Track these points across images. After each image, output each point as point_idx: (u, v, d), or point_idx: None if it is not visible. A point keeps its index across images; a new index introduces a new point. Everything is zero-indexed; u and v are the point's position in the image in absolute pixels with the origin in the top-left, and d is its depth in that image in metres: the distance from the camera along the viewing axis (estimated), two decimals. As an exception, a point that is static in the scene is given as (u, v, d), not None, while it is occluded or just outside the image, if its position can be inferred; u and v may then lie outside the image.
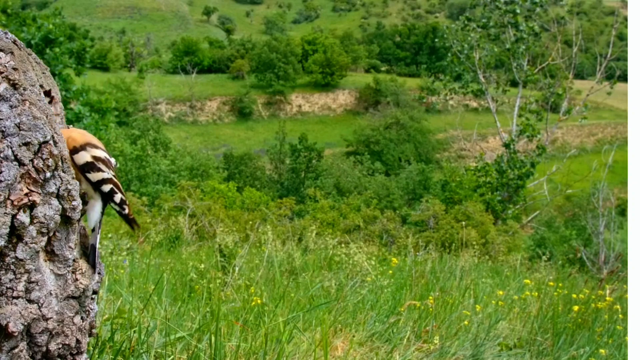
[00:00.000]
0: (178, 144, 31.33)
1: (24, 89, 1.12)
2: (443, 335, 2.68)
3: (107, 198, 1.28)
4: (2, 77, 1.09)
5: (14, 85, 1.10)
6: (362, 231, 11.11)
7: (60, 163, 1.16)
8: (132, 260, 4.73)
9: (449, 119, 43.92)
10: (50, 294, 1.16)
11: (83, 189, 1.26)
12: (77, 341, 1.24)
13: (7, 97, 1.08)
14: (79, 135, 1.26)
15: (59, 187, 1.16)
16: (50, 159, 1.12)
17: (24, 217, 1.08)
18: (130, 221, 1.33)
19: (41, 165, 1.11)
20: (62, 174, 1.17)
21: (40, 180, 1.11)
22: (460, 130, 23.32)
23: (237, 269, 3.68)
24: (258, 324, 2.30)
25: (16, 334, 1.09)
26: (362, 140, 48.06)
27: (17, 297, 1.10)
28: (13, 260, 1.08)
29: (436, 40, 22.51)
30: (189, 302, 2.88)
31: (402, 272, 4.75)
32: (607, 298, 3.83)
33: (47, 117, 1.15)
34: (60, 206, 1.15)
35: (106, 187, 1.26)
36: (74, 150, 1.22)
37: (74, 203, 1.19)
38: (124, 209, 1.30)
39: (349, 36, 78.40)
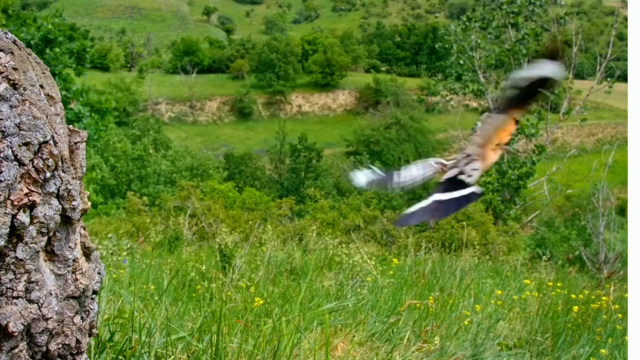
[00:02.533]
0: (178, 144, 31.28)
1: (24, 89, 1.12)
2: (443, 335, 2.68)
3: None
4: (2, 77, 1.09)
5: (14, 85, 1.10)
6: (362, 231, 11.10)
7: (60, 163, 1.16)
8: (132, 260, 4.73)
9: (449, 119, 43.80)
10: (50, 294, 1.16)
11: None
12: (77, 341, 1.24)
13: (7, 97, 1.08)
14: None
15: (59, 187, 1.15)
16: (50, 159, 1.12)
17: (24, 217, 1.08)
18: None
19: (41, 165, 1.11)
20: (62, 174, 1.16)
21: (40, 180, 1.11)
22: (460, 130, 23.23)
23: (237, 269, 3.68)
24: (259, 324, 2.30)
25: (16, 334, 1.09)
26: (362, 140, 48.03)
27: (17, 297, 1.10)
28: (13, 260, 1.08)
29: (438, 44, 22.45)
30: (189, 302, 2.88)
31: (402, 272, 4.75)
32: (604, 298, 3.83)
33: (47, 117, 1.15)
34: (60, 206, 1.15)
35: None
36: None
37: (74, 203, 1.19)
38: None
39: (349, 36, 78.42)
